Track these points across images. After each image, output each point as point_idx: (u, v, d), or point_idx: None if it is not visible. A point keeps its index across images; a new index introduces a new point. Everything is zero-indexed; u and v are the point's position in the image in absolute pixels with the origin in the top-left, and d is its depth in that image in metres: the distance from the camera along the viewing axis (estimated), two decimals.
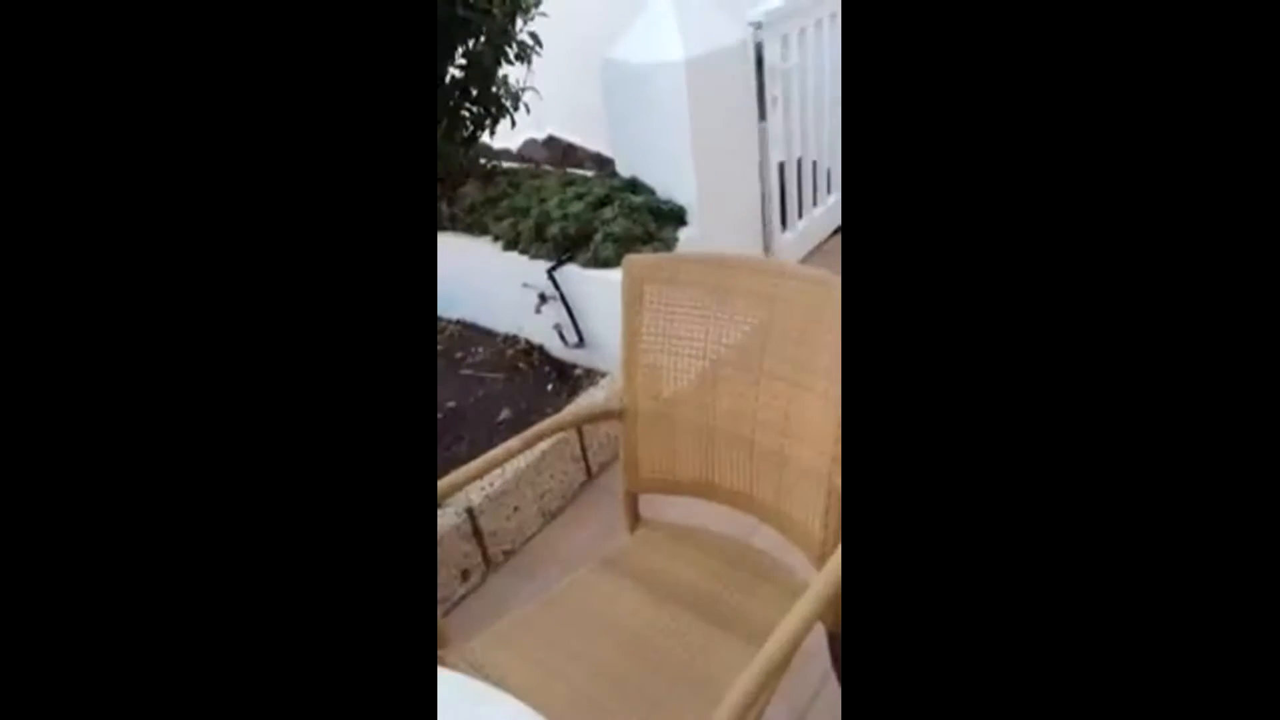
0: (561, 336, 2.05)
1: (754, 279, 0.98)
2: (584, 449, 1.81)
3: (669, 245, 1.92)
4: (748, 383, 0.98)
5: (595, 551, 1.11)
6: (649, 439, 1.08)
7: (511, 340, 2.19)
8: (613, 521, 1.15)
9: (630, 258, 1.05)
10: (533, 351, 2.18)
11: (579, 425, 1.73)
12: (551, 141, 3.59)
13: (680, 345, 1.03)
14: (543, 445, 1.66)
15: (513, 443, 1.02)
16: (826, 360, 0.89)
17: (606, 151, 2.70)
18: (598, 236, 1.89)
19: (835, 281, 0.90)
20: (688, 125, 1.90)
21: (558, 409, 1.89)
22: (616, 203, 1.96)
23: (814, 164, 2.49)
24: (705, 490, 1.07)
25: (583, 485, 1.82)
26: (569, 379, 2.07)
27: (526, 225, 2.03)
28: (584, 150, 3.34)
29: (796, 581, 1.01)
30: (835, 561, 0.78)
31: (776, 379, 0.96)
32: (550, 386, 2.06)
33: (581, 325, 2.01)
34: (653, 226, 1.91)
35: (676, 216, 2.01)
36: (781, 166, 2.35)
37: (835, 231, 2.69)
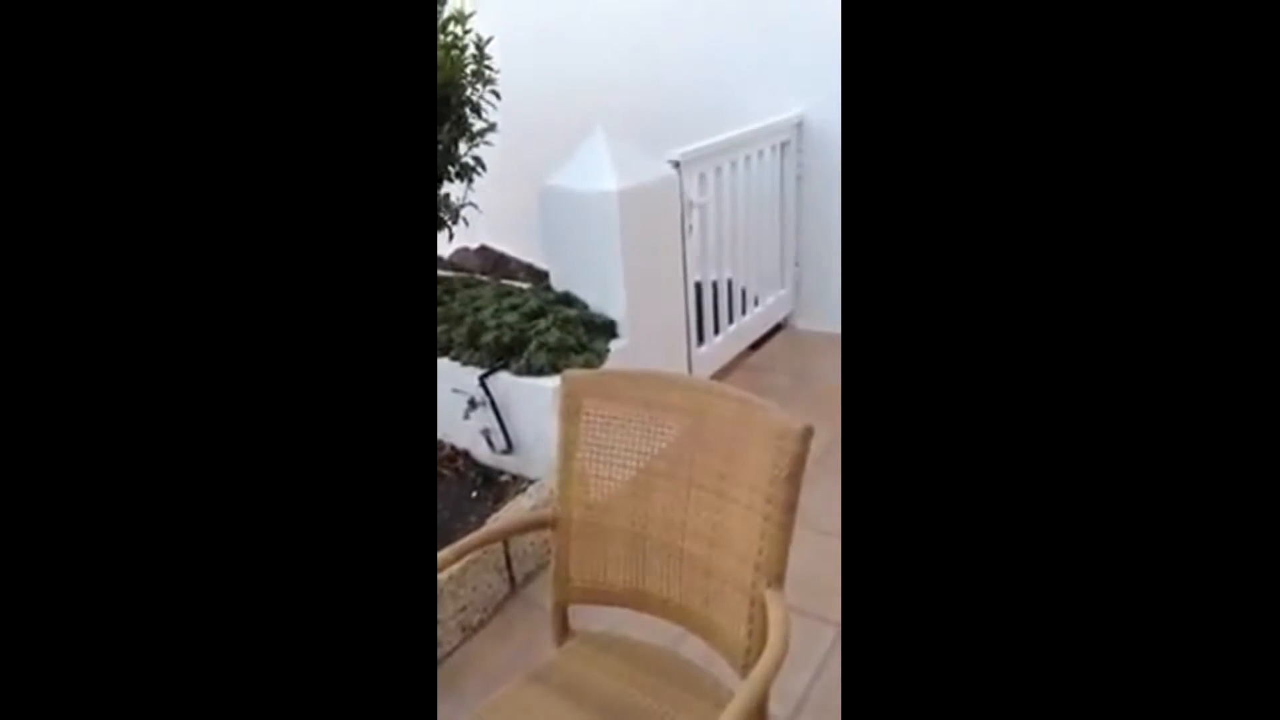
0: (489, 442, 2.07)
1: (686, 396, 1.06)
2: (508, 559, 1.79)
3: (600, 355, 2.01)
4: (677, 493, 1.05)
5: (521, 665, 1.10)
6: (581, 548, 1.11)
7: (438, 446, 2.18)
8: (537, 634, 1.14)
9: (568, 373, 1.12)
10: (458, 457, 2.17)
11: (510, 536, 1.72)
12: (484, 250, 3.71)
13: (614, 456, 1.09)
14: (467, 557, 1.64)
15: (445, 553, 1.03)
16: (751, 475, 0.97)
17: (538, 263, 2.83)
18: (531, 345, 1.96)
19: (759, 402, 1.00)
20: (619, 247, 2.04)
21: (482, 517, 1.87)
22: (551, 315, 2.05)
23: (729, 282, 2.70)
24: (636, 600, 1.10)
25: (506, 597, 1.78)
26: (494, 485, 2.07)
27: (460, 332, 2.09)
28: (516, 261, 3.47)
29: (723, 692, 1.03)
30: (759, 670, 0.83)
31: (704, 490, 1.03)
32: (475, 494, 2.04)
33: (510, 431, 2.04)
34: (585, 338, 2.01)
35: (608, 329, 2.12)
36: (699, 286, 2.54)
37: (748, 348, 2.88)
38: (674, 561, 1.05)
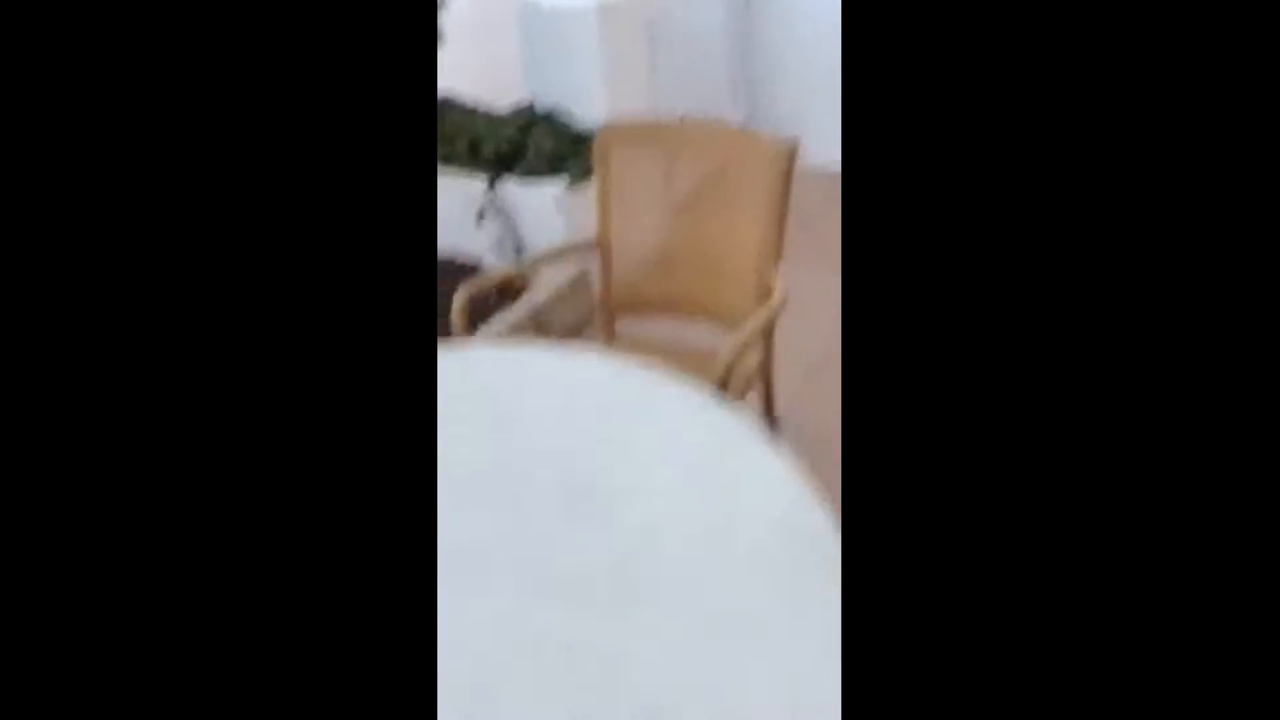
0: (500, 249, 2.33)
1: (706, 137, 1.36)
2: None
3: (591, 161, 2.26)
4: (694, 212, 1.37)
5: None
6: (621, 264, 1.43)
7: (446, 263, 2.43)
8: None
9: (603, 126, 1.39)
10: (471, 269, 2.43)
11: (562, 256, 1.81)
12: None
13: (641, 192, 1.39)
14: None
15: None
16: (756, 200, 1.29)
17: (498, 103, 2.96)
18: (530, 153, 2.19)
19: (755, 132, 1.30)
20: (599, 61, 2.24)
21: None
22: (542, 126, 2.26)
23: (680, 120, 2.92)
24: (666, 304, 1.44)
25: None
26: (509, 291, 2.35)
27: (460, 145, 2.29)
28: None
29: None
30: (769, 304, 1.18)
31: (714, 206, 1.35)
32: (490, 300, 2.33)
33: (520, 236, 2.30)
34: (577, 145, 2.24)
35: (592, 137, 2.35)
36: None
37: None
38: (695, 266, 1.39)
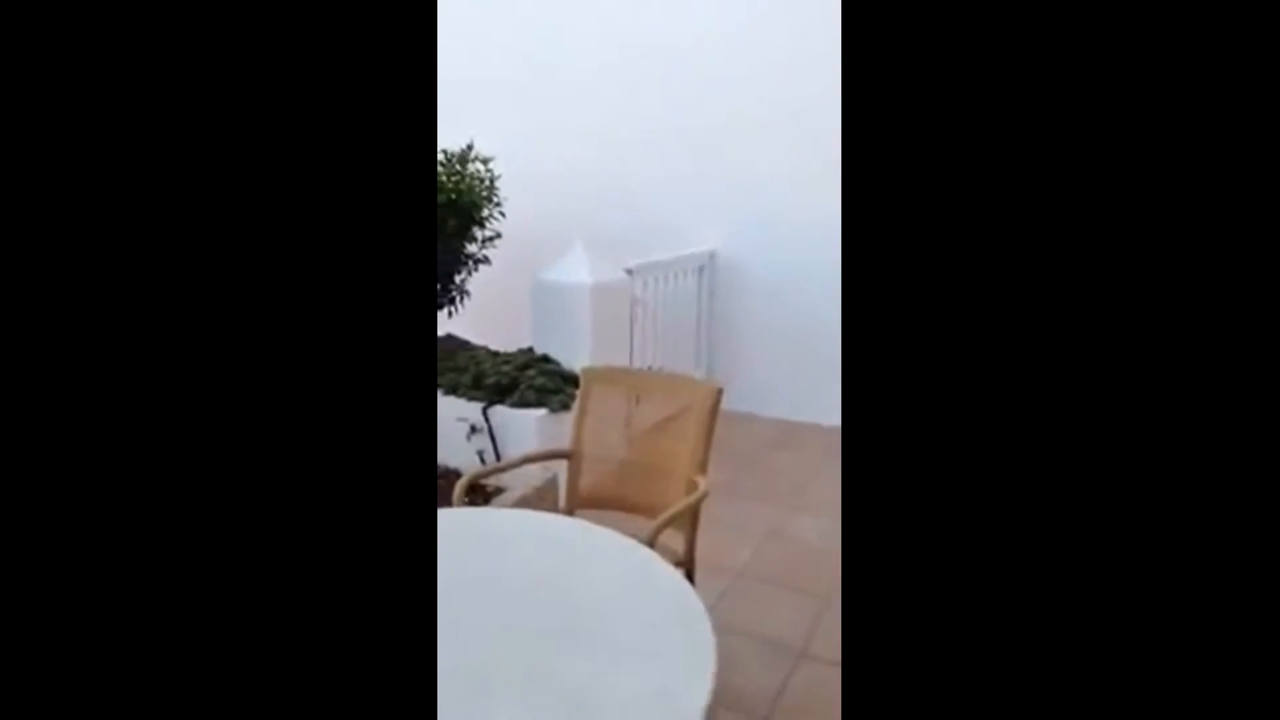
0: (482, 460, 2.75)
1: (652, 380, 1.88)
2: None
3: (571, 395, 2.79)
4: (646, 434, 1.83)
5: None
6: (586, 470, 1.85)
7: (440, 471, 2.83)
8: None
9: (586, 366, 1.92)
10: (453, 474, 2.82)
11: (538, 461, 2.21)
12: (450, 338, 4.46)
13: (608, 416, 1.87)
14: None
15: (466, 479, 1.75)
16: (692, 427, 1.77)
17: (492, 345, 3.59)
18: (523, 386, 2.71)
19: (704, 382, 1.83)
20: (589, 324, 2.89)
21: None
22: (536, 368, 2.83)
23: (660, 368, 3.59)
24: (619, 503, 1.83)
25: None
26: (481, 492, 2.72)
27: (466, 378, 2.82)
28: (474, 345, 4.24)
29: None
30: (695, 495, 1.59)
31: (661, 431, 1.82)
32: (468, 499, 2.69)
33: (499, 450, 2.73)
34: (562, 384, 2.79)
35: (574, 379, 2.91)
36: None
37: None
38: (644, 475, 1.82)
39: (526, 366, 2.85)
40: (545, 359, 2.98)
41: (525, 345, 3.12)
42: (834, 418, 3.67)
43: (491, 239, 3.12)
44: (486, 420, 2.72)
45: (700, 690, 0.87)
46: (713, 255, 3.91)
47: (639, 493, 1.81)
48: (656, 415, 1.85)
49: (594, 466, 1.86)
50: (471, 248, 3.19)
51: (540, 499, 2.43)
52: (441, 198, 2.94)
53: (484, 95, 4.22)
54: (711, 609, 2.10)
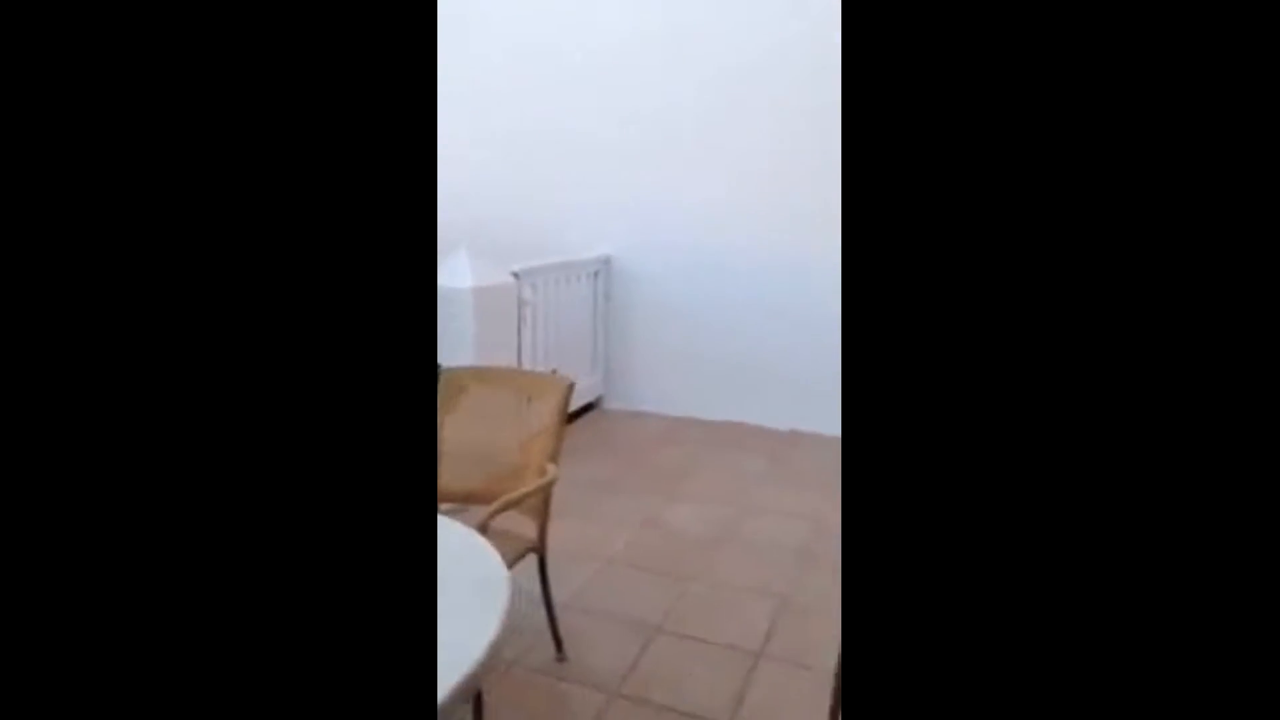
0: None
1: (511, 377, 1.99)
2: None
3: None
4: (505, 428, 1.94)
5: None
6: (447, 466, 1.94)
7: None
8: None
9: (448, 368, 2.01)
10: None
11: None
12: None
13: (475, 413, 1.97)
14: None
15: None
16: (546, 416, 1.89)
17: None
18: None
19: (545, 375, 1.95)
20: (472, 327, 2.97)
21: None
22: None
23: (554, 370, 3.69)
24: (476, 497, 1.93)
25: None
26: None
27: None
28: None
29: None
30: (546, 477, 1.71)
31: (522, 423, 1.93)
32: None
33: None
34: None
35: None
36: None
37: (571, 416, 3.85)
38: (503, 467, 1.92)
39: None
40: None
41: None
42: (715, 413, 3.88)
43: None
44: None
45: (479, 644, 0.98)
46: (607, 260, 4.05)
47: (498, 485, 1.92)
48: (513, 411, 1.95)
49: (451, 465, 1.95)
50: None
51: None
52: None
53: None
54: (577, 594, 2.24)
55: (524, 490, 1.72)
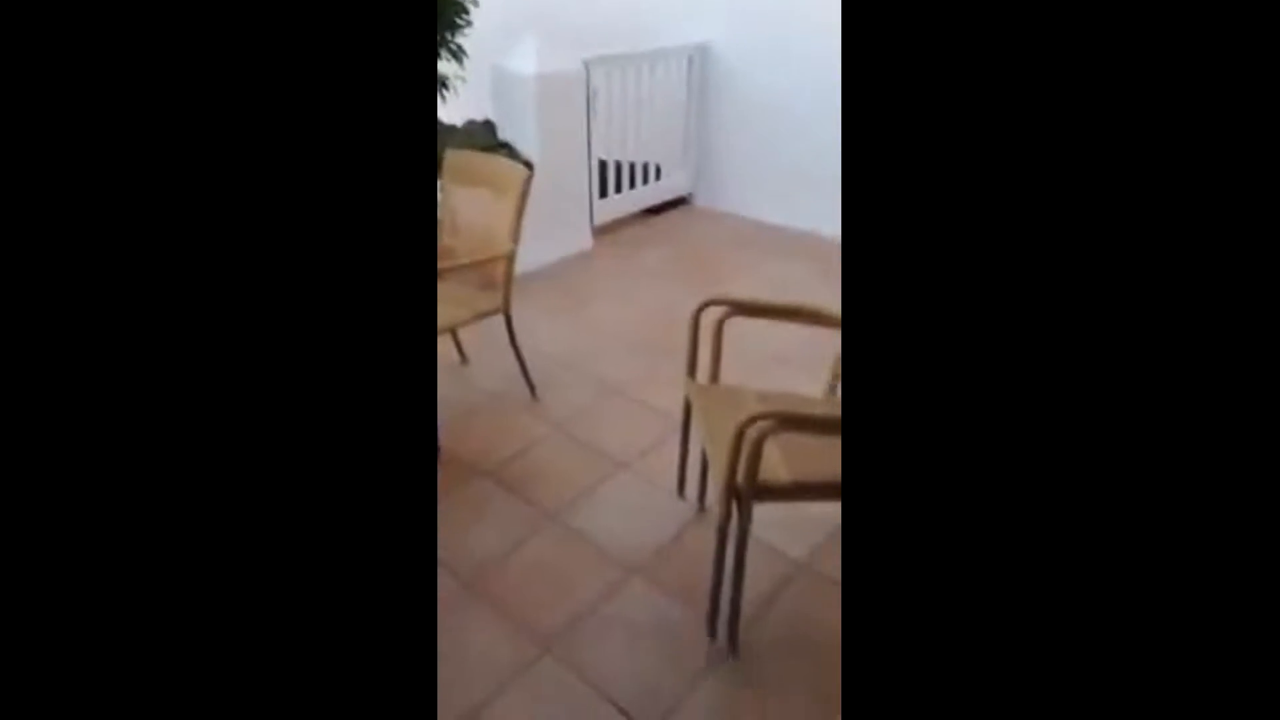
0: None
1: (489, 164, 2.29)
2: None
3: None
4: (477, 205, 2.28)
5: None
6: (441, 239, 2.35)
7: None
8: None
9: (448, 158, 2.34)
10: None
11: None
12: (488, 122, 4.90)
13: (466, 194, 2.32)
14: None
15: None
16: (507, 191, 2.17)
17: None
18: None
19: (514, 163, 2.21)
20: (534, 114, 3.21)
21: None
22: (502, 150, 3.25)
23: (631, 164, 3.84)
24: (450, 256, 2.34)
25: None
26: None
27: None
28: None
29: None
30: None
31: (491, 200, 2.26)
32: None
33: None
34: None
35: (529, 164, 3.31)
36: (603, 163, 3.69)
37: (648, 211, 4.05)
38: (473, 241, 2.29)
39: (490, 149, 3.27)
40: (507, 145, 3.37)
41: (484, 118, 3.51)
42: (799, 222, 3.84)
43: (462, 28, 3.40)
44: None
45: None
46: (703, 48, 3.91)
47: (468, 254, 2.31)
48: (487, 186, 2.27)
49: (446, 230, 2.36)
50: (451, 35, 3.49)
51: None
52: None
53: None
54: (568, 355, 2.65)
55: (469, 260, 2.08)
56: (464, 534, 1.86)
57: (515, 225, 2.18)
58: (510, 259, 2.19)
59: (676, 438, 1.95)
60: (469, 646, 1.56)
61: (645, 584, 1.72)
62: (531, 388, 2.44)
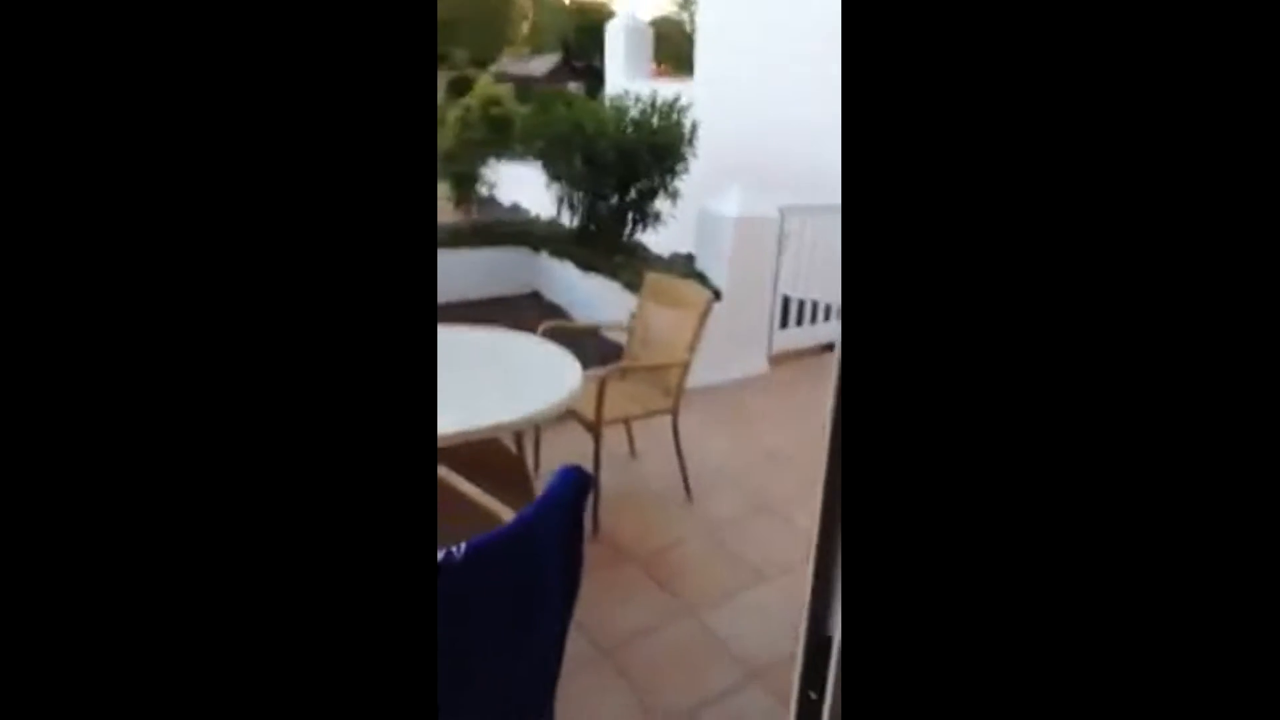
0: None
1: (678, 286, 2.65)
2: None
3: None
4: (669, 324, 2.62)
5: None
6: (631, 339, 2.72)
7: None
8: None
9: (650, 275, 2.75)
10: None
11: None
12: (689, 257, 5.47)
13: (656, 309, 2.69)
14: None
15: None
16: (691, 318, 2.50)
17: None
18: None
19: (698, 285, 2.54)
20: (730, 251, 3.61)
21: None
22: (695, 278, 3.68)
23: (814, 303, 4.09)
24: (637, 361, 2.67)
25: None
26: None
27: (629, 275, 3.80)
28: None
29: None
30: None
31: (678, 319, 2.59)
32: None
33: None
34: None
35: (718, 293, 3.69)
36: (786, 299, 3.98)
37: (824, 347, 4.22)
38: (657, 351, 2.62)
39: (685, 276, 3.71)
40: (701, 275, 3.79)
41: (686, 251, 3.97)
42: None
43: (679, 172, 3.98)
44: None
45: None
46: None
47: (653, 355, 2.64)
48: (675, 313, 2.62)
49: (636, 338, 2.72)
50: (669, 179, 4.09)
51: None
52: (642, 135, 3.89)
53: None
54: (725, 472, 2.83)
55: (649, 364, 2.41)
56: (610, 608, 2.05)
57: (693, 340, 2.48)
58: (684, 367, 2.48)
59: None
60: (600, 706, 1.72)
61: (763, 689, 1.78)
62: (688, 489, 2.64)
